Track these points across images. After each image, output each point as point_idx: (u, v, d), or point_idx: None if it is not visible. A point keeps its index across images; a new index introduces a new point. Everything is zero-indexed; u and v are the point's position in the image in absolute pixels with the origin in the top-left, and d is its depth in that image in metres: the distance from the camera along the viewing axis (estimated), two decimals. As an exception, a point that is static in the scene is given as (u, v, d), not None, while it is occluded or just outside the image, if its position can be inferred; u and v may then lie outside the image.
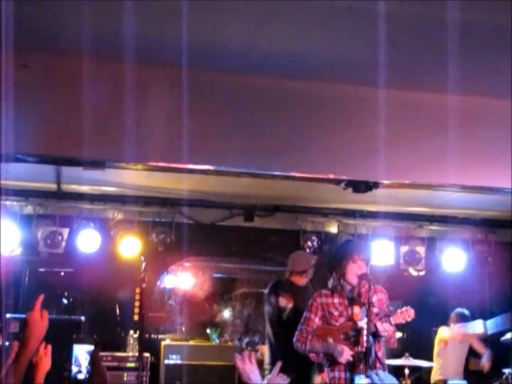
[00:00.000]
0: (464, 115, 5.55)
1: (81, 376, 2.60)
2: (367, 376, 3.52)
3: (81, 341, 2.71)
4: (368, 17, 4.27)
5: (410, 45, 4.76)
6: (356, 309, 6.23)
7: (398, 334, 8.08)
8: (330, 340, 6.21)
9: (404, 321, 6.39)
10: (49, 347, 3.35)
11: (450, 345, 8.93)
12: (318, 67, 5.21)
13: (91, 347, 2.69)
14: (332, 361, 6.20)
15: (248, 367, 3.61)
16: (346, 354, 6.09)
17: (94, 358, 2.66)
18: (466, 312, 8.92)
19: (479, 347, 9.06)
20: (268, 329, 7.91)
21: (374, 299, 6.33)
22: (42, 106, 5.22)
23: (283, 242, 9.86)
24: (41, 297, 3.38)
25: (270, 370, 7.31)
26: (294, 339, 6.43)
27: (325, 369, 6.32)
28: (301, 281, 7.71)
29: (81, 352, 2.71)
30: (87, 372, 2.60)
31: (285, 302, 7.58)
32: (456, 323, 8.88)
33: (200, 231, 9.37)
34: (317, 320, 6.35)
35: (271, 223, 9.36)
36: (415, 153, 5.69)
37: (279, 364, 4.07)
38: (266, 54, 5.00)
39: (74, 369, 2.76)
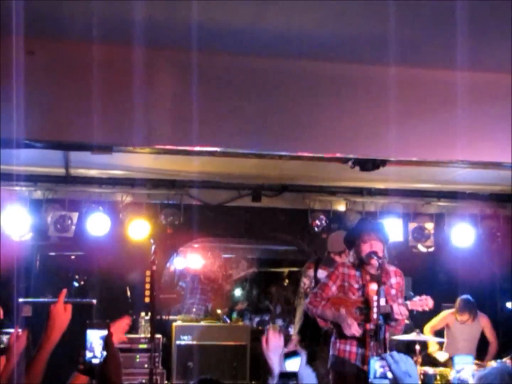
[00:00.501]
0: (472, 91, 5.53)
1: (95, 361, 2.62)
2: (381, 358, 3.53)
3: (94, 326, 2.73)
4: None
5: (417, 21, 4.74)
6: (373, 286, 6.27)
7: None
8: (343, 311, 6.28)
9: (421, 309, 6.42)
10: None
11: (454, 329, 8.93)
12: (324, 46, 5.21)
13: (104, 332, 2.70)
14: (343, 334, 6.28)
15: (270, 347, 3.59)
16: (353, 329, 6.15)
17: (107, 343, 2.68)
18: (471, 299, 8.90)
19: (490, 336, 9.03)
20: (302, 302, 7.99)
21: (393, 281, 6.40)
22: (50, 92, 5.23)
23: (291, 222, 9.89)
24: (65, 291, 3.41)
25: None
26: (307, 301, 6.53)
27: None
28: (340, 259, 7.78)
29: (95, 337, 2.72)
30: (101, 357, 2.62)
31: (324, 274, 7.65)
32: (461, 311, 8.85)
33: (209, 212, 9.40)
34: (334, 289, 6.43)
35: (279, 202, 9.38)
36: (423, 130, 5.68)
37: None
38: (273, 35, 4.99)
39: (88, 354, 2.78)
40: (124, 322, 4.10)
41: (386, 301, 6.21)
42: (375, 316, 6.10)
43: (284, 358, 3.60)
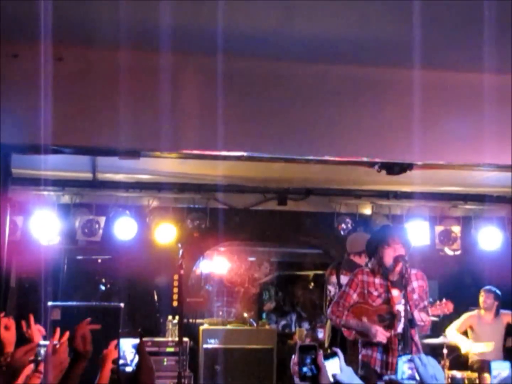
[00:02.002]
0: (499, 94, 5.49)
1: (128, 369, 2.64)
2: (410, 360, 3.53)
3: (126, 335, 2.75)
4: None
5: (443, 23, 4.73)
6: (395, 292, 6.25)
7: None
8: (365, 319, 6.26)
9: (442, 314, 6.40)
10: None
11: (478, 330, 8.89)
12: (350, 50, 5.21)
13: (136, 340, 2.72)
14: (367, 340, 6.26)
15: None
16: (380, 336, 6.13)
17: (140, 351, 2.71)
18: (493, 288, 8.88)
19: None
20: None
21: (415, 284, 6.35)
22: (78, 98, 5.29)
23: (316, 225, 9.89)
24: (66, 336, 3.45)
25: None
26: (329, 311, 6.52)
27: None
28: (360, 260, 7.80)
29: (127, 346, 2.75)
30: (135, 365, 2.64)
31: (346, 279, 7.66)
32: (486, 294, 8.82)
33: (234, 216, 9.43)
34: (355, 296, 6.40)
35: (305, 206, 9.37)
36: (450, 134, 5.66)
37: None
38: (298, 39, 5.01)
39: (120, 362, 2.82)
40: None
41: (410, 307, 6.18)
42: (400, 324, 6.09)
43: (324, 359, 3.61)
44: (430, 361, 3.19)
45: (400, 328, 6.10)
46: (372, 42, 5.06)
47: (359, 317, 6.30)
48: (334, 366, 3.63)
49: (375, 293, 6.34)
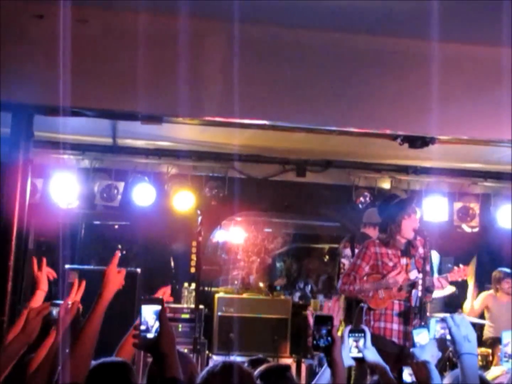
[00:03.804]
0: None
1: (150, 335, 2.66)
2: (442, 320, 3.54)
3: (147, 302, 2.78)
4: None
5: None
6: (406, 261, 6.31)
7: (451, 289, 8.15)
8: (381, 291, 6.29)
9: (460, 279, 6.46)
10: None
11: (494, 310, 8.89)
12: (371, 20, 5.16)
13: (157, 307, 2.75)
14: (377, 312, 6.29)
15: None
16: (400, 279, 6.19)
17: (162, 318, 2.73)
18: (509, 270, 8.87)
19: None
20: None
21: (421, 251, 6.42)
22: (99, 61, 5.29)
23: (335, 198, 9.86)
24: (118, 253, 3.48)
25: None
26: (340, 283, 6.54)
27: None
28: (373, 233, 7.78)
29: (148, 312, 2.77)
30: (155, 331, 2.66)
31: None
32: (505, 278, 8.81)
33: (253, 186, 9.41)
34: (367, 269, 6.43)
35: (324, 178, 9.34)
36: (472, 108, 5.61)
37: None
38: (321, 8, 4.96)
39: (142, 327, 2.85)
40: (166, 290, 4.17)
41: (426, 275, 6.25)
42: (419, 292, 6.12)
43: (349, 334, 3.64)
44: (463, 321, 3.17)
45: (415, 297, 6.15)
46: (395, 14, 5.02)
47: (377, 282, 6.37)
48: (359, 342, 3.65)
49: (390, 263, 6.38)
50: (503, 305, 8.83)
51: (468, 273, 6.50)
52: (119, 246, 10.42)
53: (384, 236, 6.51)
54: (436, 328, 3.74)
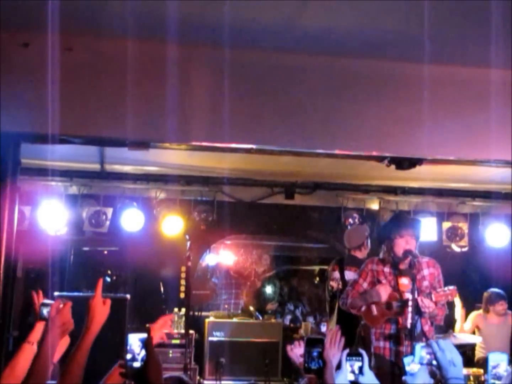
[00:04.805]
0: (508, 89, 5.48)
1: (136, 364, 2.63)
2: (427, 345, 3.53)
3: (133, 330, 2.74)
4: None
5: (452, 19, 4.71)
6: (405, 281, 6.30)
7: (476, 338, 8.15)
8: (373, 306, 6.31)
9: (446, 300, 6.40)
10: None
11: (484, 330, 8.89)
12: (357, 43, 5.19)
13: (143, 335, 2.72)
14: (378, 331, 6.30)
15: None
16: (383, 293, 6.19)
17: (148, 346, 2.71)
18: (502, 292, 8.87)
19: None
20: (336, 306, 8.08)
21: (426, 272, 6.41)
22: (86, 88, 5.28)
23: (324, 219, 9.88)
24: (101, 282, 3.43)
25: None
26: (340, 300, 6.58)
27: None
28: (361, 254, 7.83)
29: (134, 340, 2.74)
30: (141, 360, 2.64)
31: (351, 275, 7.67)
32: (496, 300, 8.82)
33: (241, 209, 9.41)
34: (365, 285, 6.48)
35: (312, 200, 9.35)
36: (459, 129, 5.64)
37: (332, 332, 4.02)
38: (308, 32, 4.99)
39: (128, 356, 2.82)
40: (168, 319, 4.15)
41: (418, 295, 6.21)
42: (409, 314, 6.10)
43: (347, 358, 3.62)
44: (448, 346, 3.17)
45: (409, 318, 6.12)
46: (382, 36, 5.05)
47: (369, 303, 6.36)
48: (355, 366, 3.63)
49: (384, 281, 6.39)
50: (493, 325, 8.85)
51: (454, 294, 6.42)
52: (109, 272, 10.39)
53: (381, 254, 6.58)
54: (421, 354, 3.72)
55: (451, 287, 6.40)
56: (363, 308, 6.46)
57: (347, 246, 8.19)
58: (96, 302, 3.26)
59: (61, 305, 3.48)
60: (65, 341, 3.75)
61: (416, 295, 6.15)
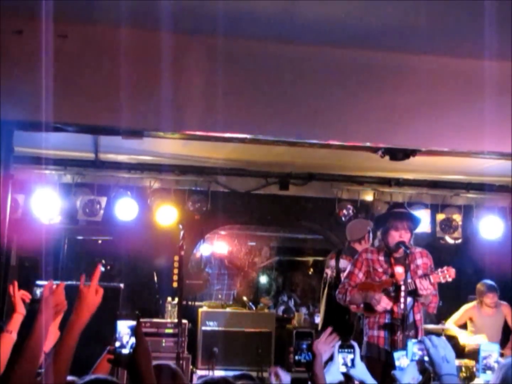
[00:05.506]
0: (502, 81, 5.48)
1: (125, 351, 2.62)
2: (420, 342, 3.53)
3: (123, 317, 2.73)
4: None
5: (447, 10, 4.70)
6: (400, 269, 6.30)
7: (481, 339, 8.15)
8: (371, 293, 6.31)
9: (444, 280, 6.34)
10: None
11: (477, 322, 8.91)
12: (355, 34, 5.18)
13: (132, 322, 2.71)
14: (372, 320, 6.31)
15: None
16: (383, 303, 6.18)
17: (137, 333, 2.70)
18: (494, 284, 8.88)
19: None
20: (325, 293, 8.09)
21: (419, 262, 6.44)
22: (80, 76, 5.27)
23: (318, 210, 9.90)
24: (99, 270, 3.40)
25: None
26: (336, 292, 6.58)
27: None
28: (360, 247, 7.83)
29: (123, 327, 2.73)
30: (131, 347, 2.64)
31: (346, 264, 7.67)
32: (488, 292, 8.83)
33: (236, 199, 9.42)
34: (360, 275, 6.48)
35: (306, 191, 9.34)
36: (453, 120, 5.65)
37: (328, 330, 4.01)
38: (303, 22, 4.98)
39: (117, 344, 2.81)
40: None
41: (411, 278, 6.23)
42: (403, 295, 6.10)
43: (339, 350, 3.63)
44: (441, 342, 3.17)
45: (402, 306, 6.13)
46: (376, 27, 5.05)
47: (365, 292, 6.35)
48: (348, 359, 3.64)
49: (380, 270, 6.42)
50: (487, 317, 8.86)
51: (452, 274, 6.34)
52: (103, 261, 10.37)
53: (376, 241, 6.59)
54: (413, 350, 3.73)
55: (447, 267, 6.37)
56: (362, 306, 6.47)
57: (348, 238, 8.20)
58: (89, 289, 3.24)
59: (54, 286, 3.46)
60: (55, 333, 3.75)
61: (409, 287, 6.16)
